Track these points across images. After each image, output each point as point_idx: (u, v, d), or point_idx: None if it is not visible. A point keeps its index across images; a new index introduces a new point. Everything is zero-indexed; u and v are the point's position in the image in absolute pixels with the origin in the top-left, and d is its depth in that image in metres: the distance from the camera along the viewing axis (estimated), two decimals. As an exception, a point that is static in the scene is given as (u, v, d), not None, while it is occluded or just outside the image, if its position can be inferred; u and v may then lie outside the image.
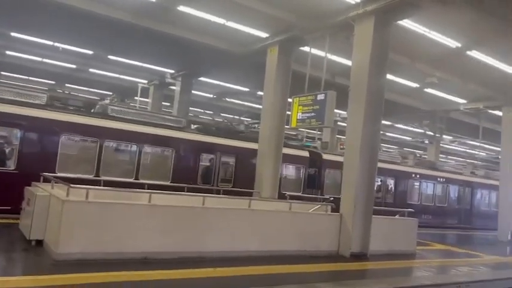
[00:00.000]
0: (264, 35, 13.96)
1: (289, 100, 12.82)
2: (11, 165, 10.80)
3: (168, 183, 12.79)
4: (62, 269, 6.27)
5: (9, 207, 9.94)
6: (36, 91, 12.45)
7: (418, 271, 9.83)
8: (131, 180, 12.31)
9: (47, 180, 8.85)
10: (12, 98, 11.14)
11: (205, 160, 14.46)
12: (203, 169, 14.36)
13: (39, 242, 7.47)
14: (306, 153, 17.41)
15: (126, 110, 13.58)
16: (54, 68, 21.90)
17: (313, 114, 11.24)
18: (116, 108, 13.41)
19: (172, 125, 14.06)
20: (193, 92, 21.58)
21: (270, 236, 9.12)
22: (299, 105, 11.69)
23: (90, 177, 11.34)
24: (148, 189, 9.20)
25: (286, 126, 14.07)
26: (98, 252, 7.00)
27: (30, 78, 24.80)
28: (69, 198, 7.08)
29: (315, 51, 12.87)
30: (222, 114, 31.37)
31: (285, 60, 13.63)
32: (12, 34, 16.90)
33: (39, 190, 8.11)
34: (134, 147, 12.76)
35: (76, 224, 6.91)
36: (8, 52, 20.03)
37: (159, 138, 13.15)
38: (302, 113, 11.52)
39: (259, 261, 8.20)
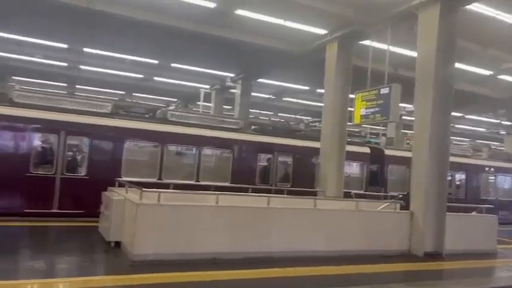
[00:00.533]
0: (322, 32, 13.78)
1: (352, 96, 12.53)
2: (82, 171, 11.55)
3: (227, 184, 13.01)
4: (138, 269, 6.61)
5: (83, 211, 10.69)
6: (102, 101, 13.20)
7: (500, 271, 9.16)
8: (192, 182, 12.66)
9: (120, 185, 9.39)
10: (81, 108, 11.88)
11: (263, 160, 14.54)
12: (261, 169, 14.44)
13: (118, 244, 7.94)
14: (367, 150, 16.90)
15: (185, 115, 14.03)
16: (123, 79, 23.25)
17: (377, 109, 10.91)
18: (175, 113, 13.94)
19: (230, 126, 14.29)
20: (252, 93, 21.83)
21: (337, 236, 8.97)
22: (362, 100, 11.40)
23: (154, 180, 11.80)
24: (209, 190, 9.46)
25: (348, 123, 13.77)
26: (171, 253, 7.27)
27: (102, 89, 26.54)
28: (143, 201, 7.44)
29: (376, 44, 12.47)
30: (280, 114, 31.49)
31: (344, 56, 13.36)
32: (85, 50, 18.18)
33: (115, 195, 8.61)
34: (194, 150, 13.11)
35: (149, 226, 7.25)
36: (81, 67, 21.57)
37: (217, 140, 13.42)
38: (366, 108, 11.22)
39: (327, 261, 8.10)
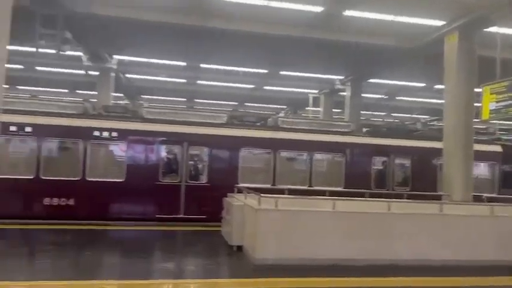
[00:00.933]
0: (438, 23, 12.78)
1: (477, 90, 11.37)
2: (204, 179, 12.32)
3: (341, 189, 12.71)
4: (261, 273, 6.80)
5: (205, 216, 11.37)
6: (218, 112, 13.94)
7: None
8: (306, 187, 12.65)
9: (239, 190, 9.79)
10: (200, 120, 12.69)
11: (377, 163, 13.92)
12: (376, 173, 13.84)
13: (239, 247, 8.29)
14: (498, 148, 15.11)
15: (295, 121, 14.13)
16: (236, 90, 24.46)
17: (510, 102, 9.73)
18: (285, 119, 14.13)
19: (341, 130, 14.01)
20: (362, 94, 21.22)
21: (468, 244, 8.18)
22: (490, 93, 10.26)
23: (268, 186, 12.04)
24: (322, 195, 9.37)
25: (475, 120, 12.51)
26: (290, 258, 7.34)
27: (217, 102, 28.25)
28: (261, 206, 7.66)
29: (505, 30, 11.16)
30: (393, 114, 30.03)
31: (467, 47, 12.19)
32: (201, 65, 19.56)
33: (234, 200, 9.02)
34: (305, 155, 13.10)
35: (269, 231, 7.42)
36: (198, 82, 23.23)
37: (328, 144, 13.24)
38: (496, 102, 10.08)
39: (457, 271, 7.45)
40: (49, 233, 9.60)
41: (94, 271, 6.91)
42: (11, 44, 8.73)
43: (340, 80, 20.93)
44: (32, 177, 10.83)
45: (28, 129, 10.98)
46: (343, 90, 21.25)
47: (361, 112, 22.25)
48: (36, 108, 11.56)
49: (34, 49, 13.11)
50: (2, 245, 8.14)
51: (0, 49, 8.23)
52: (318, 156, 13.32)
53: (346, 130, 14.12)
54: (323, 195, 9.74)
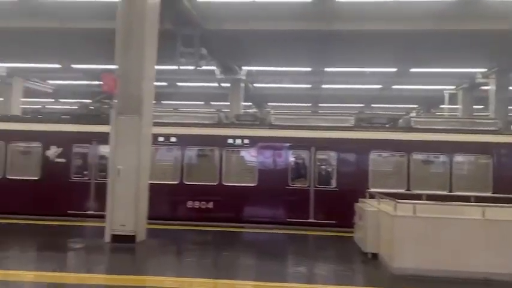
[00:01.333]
0: None
1: None
2: (333, 183, 12.10)
3: (489, 194, 11.32)
4: (400, 283, 6.43)
5: (335, 221, 11.15)
6: (344, 115, 13.65)
7: None
8: (446, 192, 11.58)
9: (371, 196, 9.41)
10: (326, 124, 12.56)
11: None
12: None
13: (374, 255, 7.95)
14: None
15: (430, 120, 13.14)
16: (362, 91, 23.82)
17: None
18: (419, 119, 13.17)
19: (486, 128, 12.50)
20: (510, 88, 18.80)
21: None
22: None
23: (402, 191, 11.28)
24: (466, 201, 8.47)
25: None
26: (432, 269, 6.78)
27: (342, 105, 27.85)
28: (398, 213, 7.25)
29: None
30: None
31: None
32: (326, 69, 19.47)
33: (367, 206, 8.70)
34: (444, 158, 12.03)
35: (407, 239, 6.96)
36: (323, 86, 23.18)
37: (471, 145, 11.93)
38: None
39: None
40: (191, 233, 10.44)
41: (231, 271, 7.28)
42: (157, 64, 9.83)
43: (482, 72, 18.90)
44: (177, 182, 11.99)
45: (173, 139, 12.22)
46: (486, 84, 19.16)
47: (510, 107, 19.78)
48: (178, 120, 12.80)
49: (176, 67, 14.57)
50: (154, 243, 9.12)
51: (150, 69, 9.34)
52: (458, 158, 12.14)
53: (492, 128, 12.61)
54: (467, 202, 8.82)
